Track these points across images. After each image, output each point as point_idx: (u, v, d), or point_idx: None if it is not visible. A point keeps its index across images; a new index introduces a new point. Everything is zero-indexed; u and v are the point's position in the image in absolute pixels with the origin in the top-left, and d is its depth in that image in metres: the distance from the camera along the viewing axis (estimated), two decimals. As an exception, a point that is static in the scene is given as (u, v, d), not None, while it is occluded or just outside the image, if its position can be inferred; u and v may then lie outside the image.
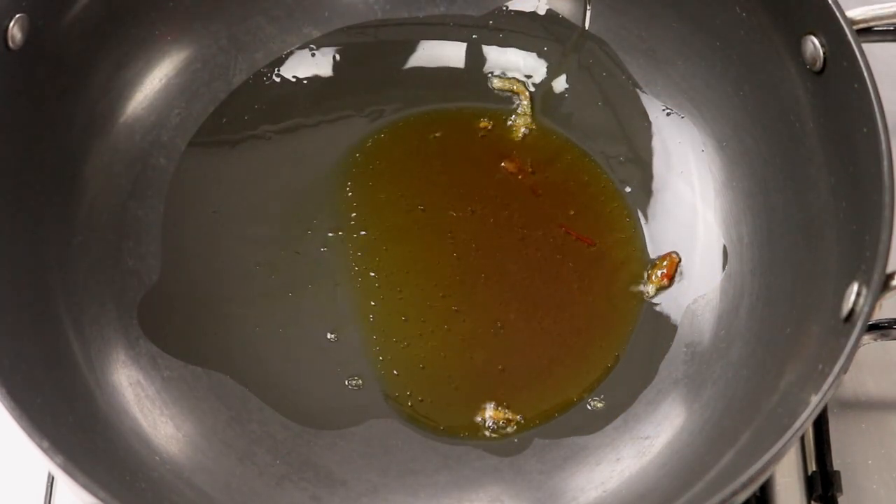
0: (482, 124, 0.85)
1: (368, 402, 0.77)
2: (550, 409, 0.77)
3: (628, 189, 0.83)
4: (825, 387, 0.61)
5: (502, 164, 0.84)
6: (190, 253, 0.81)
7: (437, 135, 0.85)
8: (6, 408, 0.61)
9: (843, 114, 0.69)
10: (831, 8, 0.69)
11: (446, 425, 0.76)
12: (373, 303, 0.80)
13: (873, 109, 0.66)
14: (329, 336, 0.79)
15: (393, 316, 0.79)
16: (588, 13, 0.87)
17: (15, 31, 0.71)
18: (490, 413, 0.76)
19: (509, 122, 0.86)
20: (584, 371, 0.78)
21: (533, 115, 0.86)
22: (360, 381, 0.77)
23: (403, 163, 0.84)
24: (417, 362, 0.78)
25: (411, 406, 0.77)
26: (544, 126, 0.85)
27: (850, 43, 0.68)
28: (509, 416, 0.76)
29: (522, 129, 0.85)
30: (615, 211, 0.83)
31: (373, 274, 0.81)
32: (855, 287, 0.65)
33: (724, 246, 0.80)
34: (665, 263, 0.80)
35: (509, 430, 0.76)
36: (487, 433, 0.76)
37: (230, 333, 0.79)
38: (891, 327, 0.74)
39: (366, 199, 0.83)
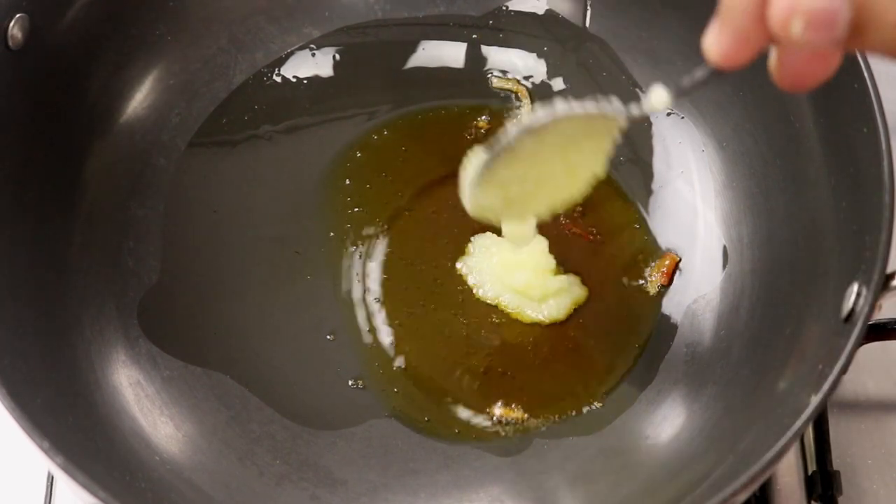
0: (482, 124, 0.85)
1: (368, 402, 0.77)
2: (553, 409, 0.77)
3: (629, 189, 0.83)
4: (825, 387, 0.61)
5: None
6: (190, 253, 0.81)
7: (438, 134, 0.85)
8: (6, 408, 0.61)
9: (843, 114, 0.69)
10: (831, 8, 0.69)
11: (442, 423, 0.76)
12: (373, 301, 0.80)
13: (873, 109, 0.66)
14: (329, 336, 0.79)
15: (393, 315, 0.79)
16: (588, 13, 0.87)
17: (15, 31, 0.71)
18: (499, 411, 0.76)
19: (509, 122, 0.86)
20: (585, 370, 0.78)
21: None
22: (361, 382, 0.77)
23: (404, 162, 0.84)
24: (418, 362, 0.78)
25: (411, 406, 0.77)
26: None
27: (850, 43, 0.68)
28: (515, 414, 0.76)
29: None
30: (615, 210, 0.83)
31: (373, 273, 0.81)
32: (855, 287, 0.65)
33: (725, 246, 0.80)
34: (665, 263, 0.80)
35: (512, 429, 0.76)
36: (488, 433, 0.76)
37: (230, 333, 0.79)
38: (891, 327, 0.74)
39: (366, 199, 0.83)
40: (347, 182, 0.84)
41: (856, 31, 0.48)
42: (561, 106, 0.61)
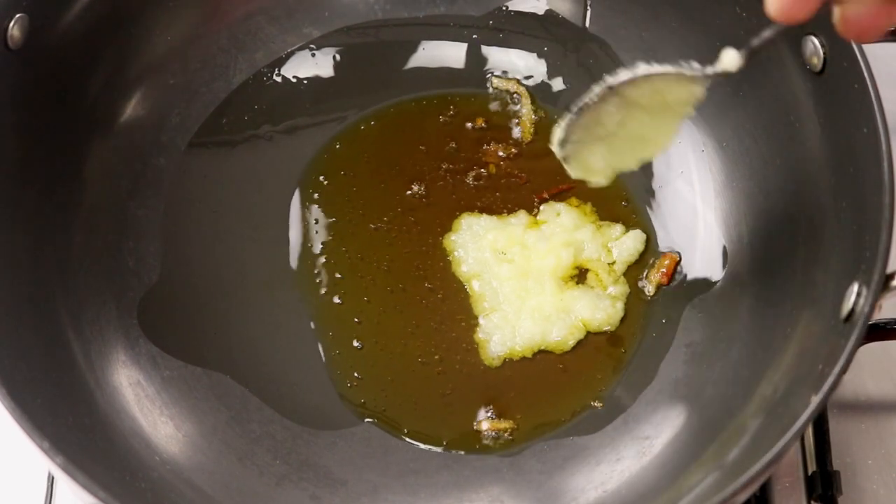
0: (481, 123, 0.85)
1: (368, 402, 0.77)
2: (551, 413, 0.77)
3: (629, 189, 0.83)
4: (825, 387, 0.61)
5: (501, 163, 0.84)
6: (190, 253, 0.81)
7: (438, 134, 0.85)
8: (6, 408, 0.61)
9: (843, 114, 0.69)
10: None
11: (424, 436, 0.76)
12: (371, 304, 0.80)
13: (873, 109, 0.66)
14: (329, 336, 0.79)
15: (392, 316, 0.79)
16: (588, 13, 0.87)
17: (15, 31, 0.71)
18: (486, 425, 0.76)
19: (509, 122, 0.86)
20: (585, 371, 0.78)
21: (532, 115, 0.86)
22: (360, 381, 0.77)
23: (403, 162, 0.84)
24: (414, 363, 0.78)
25: (387, 419, 0.77)
26: (544, 125, 0.85)
27: (850, 43, 0.68)
28: (505, 425, 0.76)
29: (522, 129, 0.85)
30: (616, 211, 0.83)
31: (372, 274, 0.81)
32: (855, 287, 0.65)
33: (724, 246, 0.80)
34: (665, 263, 0.80)
35: (506, 438, 0.76)
36: (485, 442, 0.76)
37: (230, 333, 0.79)
38: (891, 327, 0.74)
39: (365, 200, 0.83)
40: (347, 182, 0.83)
41: None
42: (642, 67, 0.65)
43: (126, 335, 0.78)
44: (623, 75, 0.65)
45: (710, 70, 0.63)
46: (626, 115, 0.67)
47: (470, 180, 0.83)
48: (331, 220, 0.82)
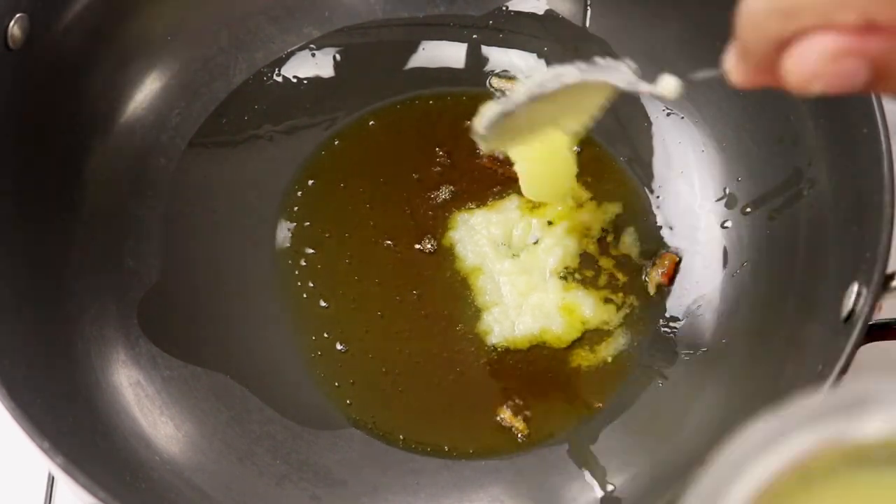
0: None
1: (368, 402, 0.77)
2: (553, 414, 0.77)
3: (629, 187, 0.83)
4: (825, 387, 0.61)
5: (499, 163, 0.84)
6: (190, 253, 0.81)
7: (438, 134, 0.85)
8: (6, 408, 0.62)
9: (843, 114, 0.70)
10: (831, 8, 0.69)
11: (418, 441, 0.76)
12: (368, 307, 0.80)
13: (873, 109, 0.66)
14: (328, 335, 0.79)
15: (392, 318, 0.79)
16: (588, 13, 0.87)
17: (15, 31, 0.71)
18: (505, 414, 0.76)
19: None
20: (584, 372, 0.78)
21: (533, 115, 0.86)
22: (355, 386, 0.77)
23: (403, 162, 0.84)
24: (413, 365, 0.78)
25: (380, 424, 0.77)
26: (544, 126, 0.85)
27: (850, 43, 0.68)
28: (520, 425, 0.76)
29: (522, 129, 0.85)
30: (615, 190, 0.83)
31: (371, 273, 0.81)
32: (855, 287, 0.65)
33: (725, 246, 0.80)
34: (666, 263, 0.80)
35: (519, 438, 0.76)
36: (505, 426, 0.76)
37: (230, 333, 0.79)
38: (891, 327, 0.74)
39: (364, 199, 0.83)
40: (345, 183, 0.84)
41: (874, 83, 0.48)
42: (572, 72, 0.64)
43: (126, 335, 0.78)
44: (551, 83, 0.64)
45: (645, 87, 0.61)
46: (548, 104, 0.66)
47: (468, 179, 0.83)
48: (330, 220, 0.82)
